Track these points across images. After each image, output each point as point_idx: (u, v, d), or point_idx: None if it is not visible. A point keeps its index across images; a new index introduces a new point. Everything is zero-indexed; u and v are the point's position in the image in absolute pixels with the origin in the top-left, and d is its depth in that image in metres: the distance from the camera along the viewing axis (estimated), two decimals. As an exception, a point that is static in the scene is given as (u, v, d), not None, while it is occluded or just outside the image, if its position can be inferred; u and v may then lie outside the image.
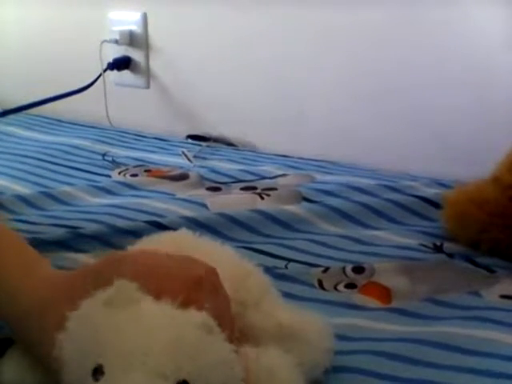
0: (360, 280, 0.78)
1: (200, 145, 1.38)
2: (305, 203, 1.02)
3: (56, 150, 1.32)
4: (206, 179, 1.14)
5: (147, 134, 1.44)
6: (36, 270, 0.56)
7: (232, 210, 0.96)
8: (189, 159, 1.28)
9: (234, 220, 0.94)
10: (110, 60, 1.55)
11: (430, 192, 1.04)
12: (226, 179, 1.14)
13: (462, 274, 0.81)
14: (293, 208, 0.98)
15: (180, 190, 1.09)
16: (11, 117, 1.49)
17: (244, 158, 1.28)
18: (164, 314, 0.46)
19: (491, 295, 0.75)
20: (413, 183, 1.09)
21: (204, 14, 1.45)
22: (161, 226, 0.89)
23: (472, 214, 0.88)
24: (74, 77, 1.53)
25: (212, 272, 0.52)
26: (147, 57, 1.55)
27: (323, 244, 0.89)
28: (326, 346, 0.58)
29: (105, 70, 1.55)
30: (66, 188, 1.09)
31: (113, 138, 1.41)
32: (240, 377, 0.47)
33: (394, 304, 0.73)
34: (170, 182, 1.13)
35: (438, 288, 0.76)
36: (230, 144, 1.42)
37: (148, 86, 1.56)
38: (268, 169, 1.20)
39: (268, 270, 0.64)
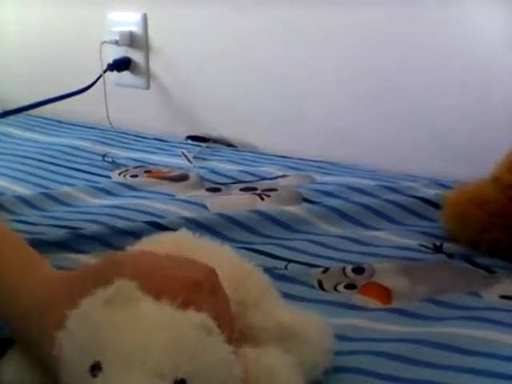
0: (360, 280, 0.78)
1: (200, 145, 1.38)
2: (305, 204, 1.02)
3: (56, 150, 1.32)
4: (206, 180, 1.14)
5: (147, 135, 1.44)
6: (36, 270, 0.56)
7: (232, 211, 0.96)
8: (189, 160, 1.28)
9: (233, 221, 0.94)
10: (110, 61, 1.56)
11: (430, 192, 1.04)
12: (225, 180, 1.15)
13: (461, 274, 0.81)
14: (293, 209, 0.98)
15: (180, 190, 1.09)
16: (11, 118, 1.49)
17: (244, 159, 1.28)
18: (164, 313, 0.46)
19: (491, 295, 0.75)
20: (413, 184, 1.09)
21: (204, 15, 1.45)
22: (161, 227, 0.89)
23: (472, 214, 0.88)
24: (74, 78, 1.53)
25: (211, 273, 0.52)
26: (147, 57, 1.55)
27: (323, 245, 0.89)
28: (326, 346, 0.58)
29: (105, 71, 1.55)
30: (66, 189, 1.09)
31: (113, 139, 1.41)
32: (239, 377, 0.47)
33: (394, 304, 0.73)
34: (169, 182, 1.13)
35: (437, 288, 0.76)
36: (229, 145, 1.42)
37: (148, 87, 1.57)
38: (268, 169, 1.20)
39: (268, 271, 0.63)
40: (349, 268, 0.81)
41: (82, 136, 1.42)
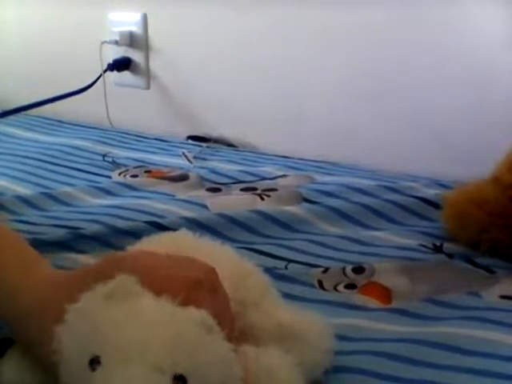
0: (360, 280, 0.78)
1: (200, 145, 1.38)
2: (305, 204, 1.02)
3: (56, 150, 1.32)
4: (206, 180, 1.14)
5: (147, 135, 1.44)
6: (36, 270, 0.56)
7: (232, 211, 0.96)
8: (189, 160, 1.28)
9: (234, 221, 0.94)
10: (110, 61, 1.56)
11: (430, 193, 1.04)
12: (226, 180, 1.15)
13: (461, 274, 0.81)
14: (293, 209, 0.98)
15: (180, 190, 1.09)
16: (11, 118, 1.49)
17: (244, 159, 1.28)
18: (164, 310, 0.46)
19: (491, 296, 0.75)
20: (413, 184, 1.09)
21: (204, 15, 1.45)
22: (161, 227, 0.89)
23: (472, 214, 0.88)
24: (74, 77, 1.53)
25: (211, 272, 0.52)
26: (147, 57, 1.55)
27: (323, 244, 0.89)
28: (327, 346, 0.58)
29: (105, 71, 1.55)
30: (67, 189, 1.09)
31: (113, 139, 1.41)
32: (239, 376, 0.47)
33: (394, 304, 0.73)
34: (170, 182, 1.13)
35: (437, 288, 0.76)
36: (230, 145, 1.42)
37: (148, 87, 1.57)
38: (268, 169, 1.20)
39: (268, 271, 0.64)
40: (349, 268, 0.81)
41: (82, 136, 1.43)
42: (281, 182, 1.13)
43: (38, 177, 1.17)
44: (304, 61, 1.35)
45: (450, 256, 0.86)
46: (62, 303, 0.47)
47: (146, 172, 1.20)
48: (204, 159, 1.29)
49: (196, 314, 0.46)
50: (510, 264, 0.82)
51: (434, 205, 0.99)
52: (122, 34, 1.54)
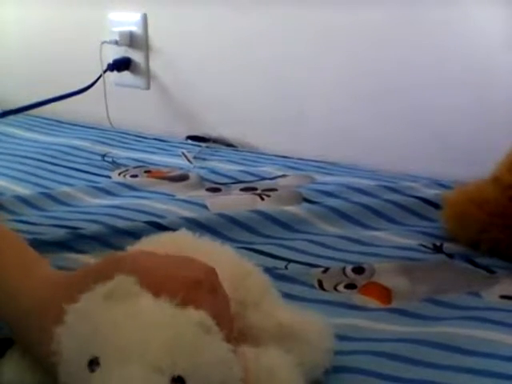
0: (360, 280, 0.78)
1: (200, 145, 1.38)
2: (305, 204, 1.02)
3: (56, 150, 1.32)
4: (206, 180, 1.14)
5: (147, 135, 1.44)
6: (35, 270, 0.56)
7: (232, 211, 0.96)
8: (189, 160, 1.28)
9: (233, 221, 0.94)
10: (110, 61, 1.56)
11: (430, 193, 1.04)
12: (225, 180, 1.14)
13: (461, 274, 0.81)
14: (293, 209, 0.98)
15: (180, 190, 1.09)
16: (11, 118, 1.49)
17: (244, 159, 1.28)
18: (163, 310, 0.46)
19: (491, 296, 0.75)
20: (413, 184, 1.09)
21: (204, 15, 1.45)
22: (161, 227, 0.89)
23: (472, 214, 0.88)
24: (73, 78, 1.53)
25: (211, 272, 0.52)
26: (147, 58, 1.55)
27: (323, 244, 0.89)
28: (327, 346, 0.58)
29: (105, 71, 1.55)
30: (66, 189, 1.09)
31: (113, 139, 1.41)
32: (239, 376, 0.47)
33: (394, 304, 0.73)
34: (169, 182, 1.13)
35: (437, 288, 0.76)
36: (229, 145, 1.42)
37: (148, 87, 1.57)
38: (268, 169, 1.20)
39: (268, 271, 0.64)
40: (349, 268, 0.81)
41: (81, 136, 1.42)
42: (281, 182, 1.13)
43: (37, 177, 1.17)
44: (304, 61, 1.35)
45: (450, 256, 0.86)
46: (62, 303, 0.47)
47: (145, 172, 1.20)
48: (204, 159, 1.29)
49: (195, 315, 0.46)
50: (510, 264, 0.82)
51: (434, 205, 0.99)
52: (121, 34, 1.54)
